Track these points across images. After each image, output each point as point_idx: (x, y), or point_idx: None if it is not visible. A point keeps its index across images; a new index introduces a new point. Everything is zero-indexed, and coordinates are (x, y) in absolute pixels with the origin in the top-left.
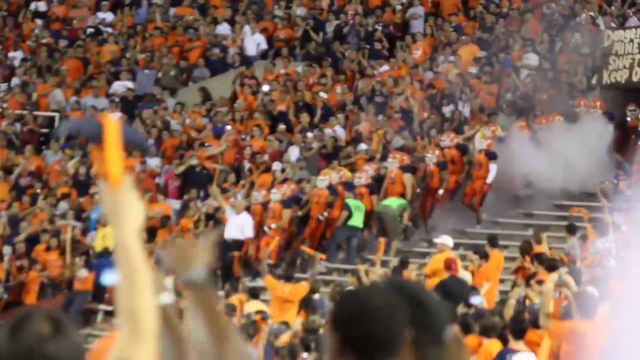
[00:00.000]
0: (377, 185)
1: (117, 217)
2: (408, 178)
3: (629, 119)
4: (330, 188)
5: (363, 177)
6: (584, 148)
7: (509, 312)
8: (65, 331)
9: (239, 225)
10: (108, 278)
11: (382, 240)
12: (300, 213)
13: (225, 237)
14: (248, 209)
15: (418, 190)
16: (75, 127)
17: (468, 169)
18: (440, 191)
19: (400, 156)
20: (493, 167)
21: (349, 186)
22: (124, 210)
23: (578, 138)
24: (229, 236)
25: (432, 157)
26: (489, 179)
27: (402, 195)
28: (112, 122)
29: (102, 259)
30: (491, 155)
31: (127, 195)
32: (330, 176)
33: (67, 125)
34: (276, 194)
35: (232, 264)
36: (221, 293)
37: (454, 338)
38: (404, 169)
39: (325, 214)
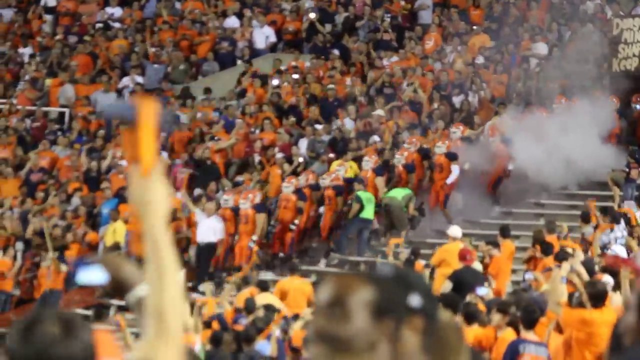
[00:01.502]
0: (347, 186)
1: (145, 205)
2: (380, 182)
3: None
4: (299, 192)
5: (328, 178)
6: (585, 137)
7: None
8: (75, 332)
9: (211, 228)
10: (84, 276)
11: (391, 242)
12: (272, 222)
13: (198, 240)
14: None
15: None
16: (111, 112)
17: (430, 174)
18: None
19: (376, 157)
20: (455, 168)
21: (316, 187)
22: (153, 197)
23: (579, 127)
24: (201, 239)
25: (400, 159)
26: (450, 180)
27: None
28: (149, 105)
29: (79, 258)
30: (451, 157)
31: (157, 182)
32: (297, 180)
33: (107, 110)
34: (245, 203)
35: (207, 266)
36: (229, 285)
37: (450, 324)
38: (376, 171)
39: (297, 221)
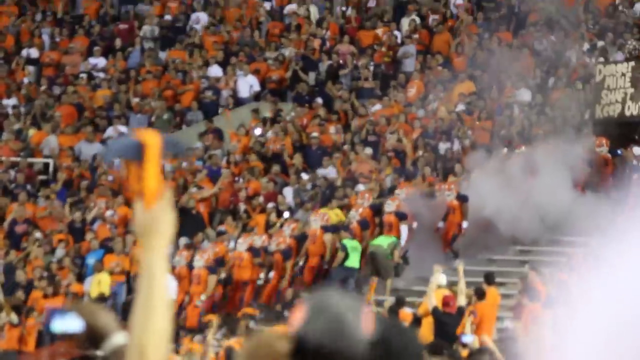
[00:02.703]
0: (298, 245)
1: (148, 237)
2: (328, 239)
3: (620, 152)
4: (253, 250)
5: (275, 241)
6: (553, 186)
7: None
8: None
9: None
10: (58, 325)
11: (373, 283)
12: (223, 275)
13: None
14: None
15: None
16: (116, 151)
17: (380, 231)
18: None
19: (323, 215)
20: (404, 229)
21: (260, 251)
22: (157, 229)
23: (546, 175)
24: None
25: (355, 215)
26: (402, 242)
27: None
28: (154, 139)
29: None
30: (401, 216)
31: (163, 215)
32: (252, 238)
33: (110, 151)
34: (199, 261)
35: None
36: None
37: None
38: (325, 229)
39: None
